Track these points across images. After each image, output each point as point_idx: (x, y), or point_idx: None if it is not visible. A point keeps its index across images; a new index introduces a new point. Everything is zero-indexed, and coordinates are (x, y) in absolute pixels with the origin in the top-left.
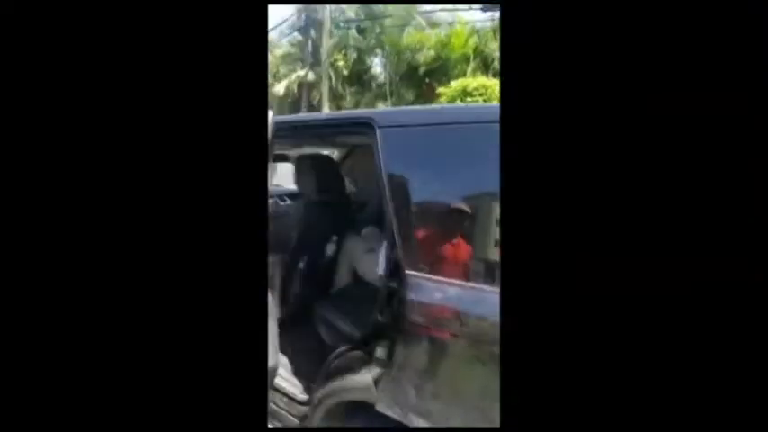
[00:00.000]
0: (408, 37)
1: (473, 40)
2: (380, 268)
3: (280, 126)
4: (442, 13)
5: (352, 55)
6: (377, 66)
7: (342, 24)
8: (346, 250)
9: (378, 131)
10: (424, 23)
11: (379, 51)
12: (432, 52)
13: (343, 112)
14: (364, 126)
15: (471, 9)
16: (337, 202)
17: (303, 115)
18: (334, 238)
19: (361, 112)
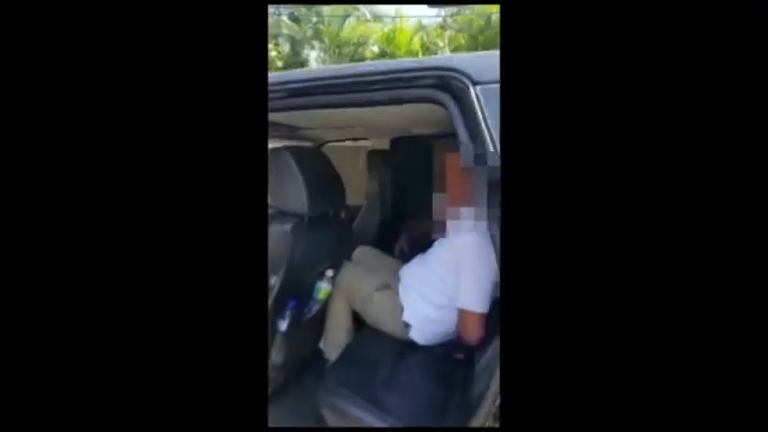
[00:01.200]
0: (350, 29)
1: (419, 36)
2: (409, 315)
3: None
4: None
5: (286, 44)
6: (315, 60)
7: (273, 10)
8: (342, 286)
9: (474, 91)
10: (368, 15)
11: (316, 43)
12: (376, 47)
13: (395, 62)
14: (440, 86)
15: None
16: (335, 219)
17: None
18: (329, 273)
19: (435, 60)
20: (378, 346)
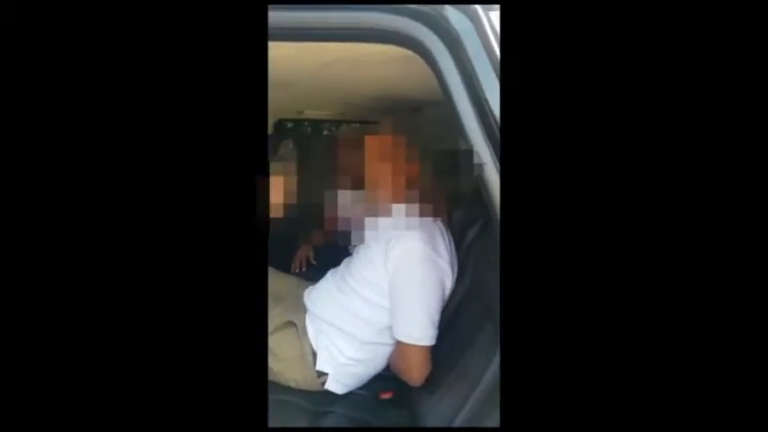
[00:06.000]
0: None
1: None
2: (324, 361)
3: None
4: None
5: None
6: None
7: None
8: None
9: (484, 17)
10: None
11: None
12: None
13: None
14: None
15: None
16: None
17: None
18: None
19: None
20: (283, 413)
